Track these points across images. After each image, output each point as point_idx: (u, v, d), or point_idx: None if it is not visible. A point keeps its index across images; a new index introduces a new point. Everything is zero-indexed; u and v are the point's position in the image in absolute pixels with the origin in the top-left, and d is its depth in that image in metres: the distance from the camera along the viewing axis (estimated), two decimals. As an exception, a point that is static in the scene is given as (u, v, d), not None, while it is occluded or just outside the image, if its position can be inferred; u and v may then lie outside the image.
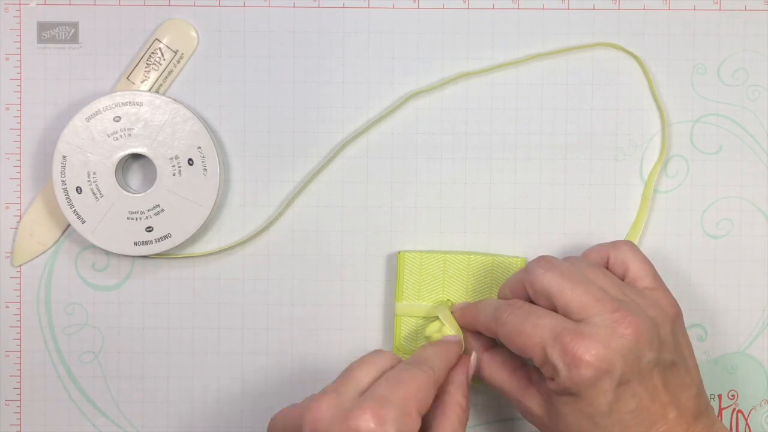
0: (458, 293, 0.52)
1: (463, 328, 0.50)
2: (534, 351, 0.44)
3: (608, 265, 0.48)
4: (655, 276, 0.48)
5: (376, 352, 0.45)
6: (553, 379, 0.44)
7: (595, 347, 0.42)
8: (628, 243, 0.49)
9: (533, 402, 0.46)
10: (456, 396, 0.45)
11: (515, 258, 0.52)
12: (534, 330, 0.44)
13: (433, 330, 0.50)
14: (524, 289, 0.47)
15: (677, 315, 0.46)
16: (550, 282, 0.45)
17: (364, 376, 0.43)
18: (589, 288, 0.44)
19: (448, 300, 0.52)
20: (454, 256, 0.52)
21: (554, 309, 0.45)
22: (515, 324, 0.45)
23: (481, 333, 0.49)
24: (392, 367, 0.44)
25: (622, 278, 0.48)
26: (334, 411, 0.41)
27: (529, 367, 0.48)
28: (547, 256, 0.47)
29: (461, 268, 0.52)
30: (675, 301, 0.47)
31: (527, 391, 0.46)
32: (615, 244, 0.49)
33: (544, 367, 0.44)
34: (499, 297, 0.49)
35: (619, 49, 0.53)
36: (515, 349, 0.45)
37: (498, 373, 0.48)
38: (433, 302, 0.52)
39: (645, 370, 0.43)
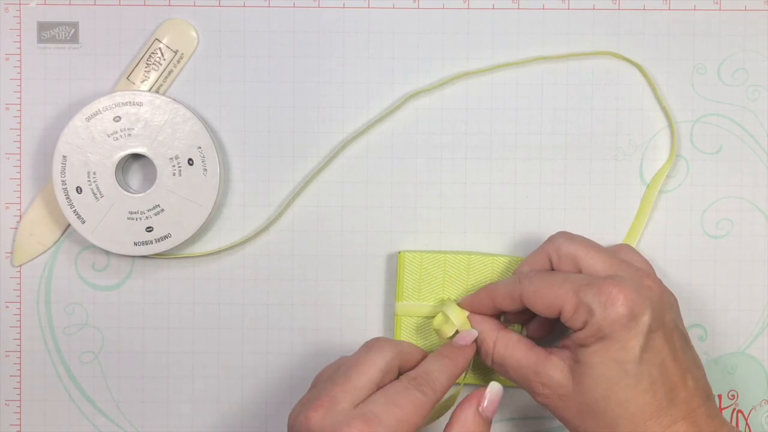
0: (458, 293, 0.52)
1: (474, 311, 0.49)
2: (566, 298, 0.45)
3: (553, 265, 0.49)
4: (656, 274, 0.49)
5: (377, 346, 0.46)
6: (583, 328, 0.44)
7: (627, 290, 0.44)
8: (628, 245, 0.50)
9: (555, 370, 0.46)
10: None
11: (516, 258, 0.52)
12: (564, 281, 0.45)
13: (440, 322, 0.49)
14: (546, 261, 0.48)
15: (678, 305, 0.48)
16: (576, 247, 0.47)
17: (362, 381, 0.44)
18: (612, 254, 0.47)
19: (449, 298, 0.52)
20: (454, 256, 0.52)
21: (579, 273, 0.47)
22: (544, 279, 0.46)
23: (491, 317, 0.49)
24: (393, 372, 0.45)
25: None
26: (328, 422, 0.42)
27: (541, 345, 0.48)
28: (567, 231, 0.49)
29: (461, 268, 0.52)
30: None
31: (548, 360, 0.46)
32: (617, 247, 0.50)
33: (576, 313, 0.44)
34: (494, 299, 0.49)
35: (620, 58, 0.53)
36: (542, 304, 0.46)
37: (515, 349, 0.47)
38: (433, 302, 0.52)
39: (669, 327, 0.45)
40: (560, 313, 0.45)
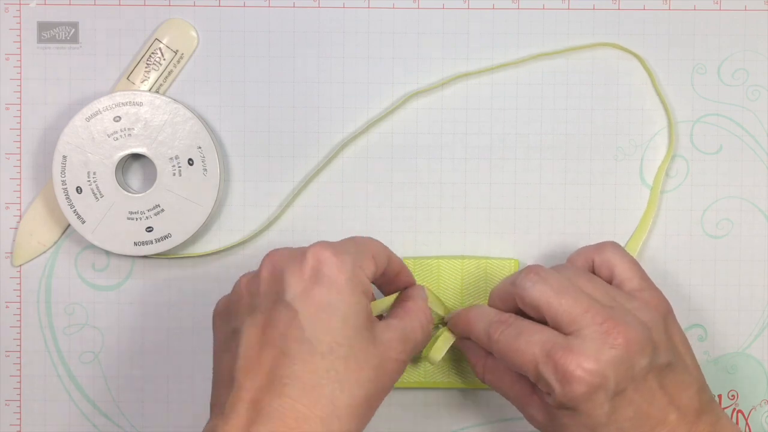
0: (453, 297, 0.52)
1: (458, 335, 0.49)
2: (527, 368, 0.44)
3: (594, 268, 0.48)
4: (643, 276, 0.47)
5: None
6: (549, 395, 0.44)
7: (586, 362, 0.42)
8: (612, 244, 0.48)
9: (536, 410, 0.46)
10: (419, 303, 0.46)
11: (508, 260, 0.52)
12: (526, 347, 0.44)
13: (427, 350, 0.49)
14: (513, 302, 0.46)
15: (668, 313, 0.46)
16: (539, 295, 0.44)
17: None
18: (578, 298, 0.44)
19: (436, 314, 0.51)
20: (447, 261, 0.52)
21: (544, 321, 0.45)
22: (507, 342, 0.45)
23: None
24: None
25: (609, 280, 0.47)
26: (292, 251, 0.43)
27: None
28: (535, 266, 0.46)
29: (455, 273, 0.52)
30: (664, 298, 0.47)
31: (530, 398, 0.46)
32: (599, 247, 0.48)
33: (539, 383, 0.44)
34: (489, 305, 0.48)
35: (620, 48, 0.53)
36: (510, 366, 0.45)
37: (501, 380, 0.47)
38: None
39: (639, 377, 0.43)
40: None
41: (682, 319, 0.53)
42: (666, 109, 0.53)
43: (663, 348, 0.44)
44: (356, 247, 0.44)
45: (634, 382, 0.43)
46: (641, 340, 0.43)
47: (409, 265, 0.52)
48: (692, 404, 0.44)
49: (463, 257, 0.52)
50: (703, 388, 0.46)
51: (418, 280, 0.52)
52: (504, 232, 0.54)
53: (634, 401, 0.43)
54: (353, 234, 0.53)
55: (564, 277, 0.45)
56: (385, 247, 0.46)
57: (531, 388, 0.46)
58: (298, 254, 0.43)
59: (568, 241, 0.53)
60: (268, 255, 0.44)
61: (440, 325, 0.50)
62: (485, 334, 0.46)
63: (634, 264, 0.48)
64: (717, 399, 0.54)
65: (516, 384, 0.47)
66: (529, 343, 0.44)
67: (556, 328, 0.44)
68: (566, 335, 0.43)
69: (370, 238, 0.46)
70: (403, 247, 0.54)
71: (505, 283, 0.47)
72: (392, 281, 0.48)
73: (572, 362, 0.42)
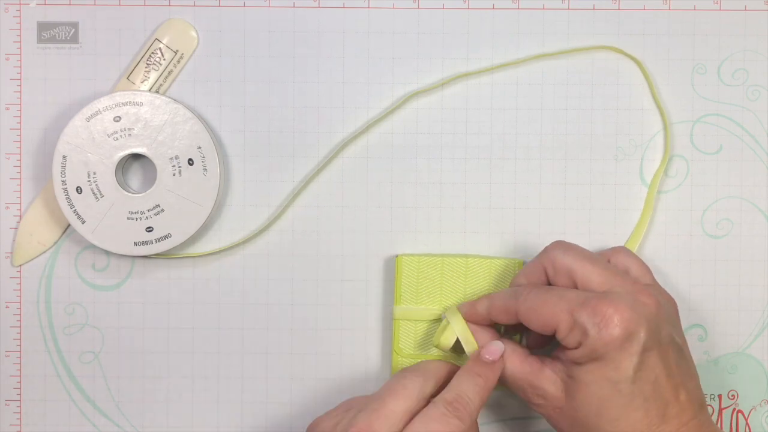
0: (456, 296, 0.52)
1: (470, 321, 0.49)
2: (560, 317, 0.44)
3: None
4: (653, 278, 0.49)
5: (411, 375, 0.46)
6: (578, 347, 0.44)
7: (623, 309, 0.44)
8: (625, 248, 0.50)
9: (549, 383, 0.46)
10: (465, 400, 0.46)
11: (513, 260, 0.52)
12: (559, 300, 0.45)
13: (438, 335, 0.50)
14: (542, 273, 0.48)
15: (677, 310, 0.48)
16: (572, 260, 0.46)
17: (400, 408, 0.45)
18: (608, 266, 0.47)
19: (452, 305, 0.51)
20: (452, 259, 0.52)
21: (574, 287, 0.46)
22: (539, 296, 0.46)
23: (487, 327, 0.49)
24: (427, 399, 0.46)
25: None
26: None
27: (540, 355, 0.48)
28: (560, 241, 0.48)
29: (459, 271, 0.52)
30: (673, 298, 0.48)
31: (541, 373, 0.46)
32: (614, 250, 0.50)
33: (571, 333, 0.44)
34: (513, 286, 0.49)
35: (619, 52, 0.53)
36: (537, 322, 0.46)
37: (510, 359, 0.47)
38: (431, 305, 0.52)
39: (664, 343, 0.44)
40: (555, 332, 0.45)
41: (683, 319, 0.53)
42: (662, 115, 0.53)
43: (678, 332, 0.47)
44: (404, 403, 0.44)
45: (660, 345, 0.44)
46: (666, 311, 0.46)
47: (413, 262, 0.52)
48: (697, 394, 0.46)
49: (467, 256, 0.52)
50: (700, 386, 0.47)
51: (421, 278, 0.52)
52: (504, 232, 0.54)
53: (656, 367, 0.44)
54: (354, 234, 0.53)
55: (591, 251, 0.48)
56: (442, 369, 0.47)
57: (541, 363, 0.46)
58: None
59: (568, 241, 0.53)
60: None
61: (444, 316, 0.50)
62: (512, 295, 0.47)
63: (646, 266, 0.49)
64: (717, 399, 0.54)
65: (525, 361, 0.47)
66: (562, 296, 0.45)
67: (588, 290, 0.46)
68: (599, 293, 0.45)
69: (422, 376, 0.47)
70: (403, 247, 0.54)
71: (533, 260, 0.49)
72: None
73: (610, 307, 0.44)
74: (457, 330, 0.49)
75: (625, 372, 0.44)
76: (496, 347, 0.47)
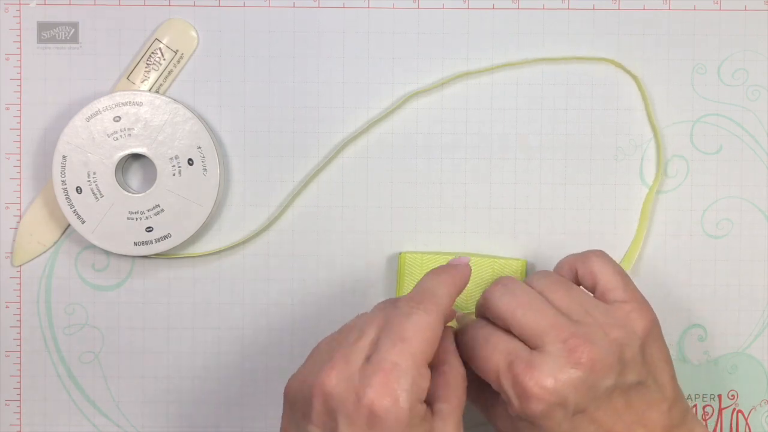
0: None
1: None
2: (490, 377, 0.43)
3: (577, 277, 0.47)
4: (627, 287, 0.45)
5: (379, 306, 0.44)
6: (510, 406, 0.43)
7: (545, 380, 0.41)
8: (597, 253, 0.47)
9: (500, 421, 0.45)
10: (455, 366, 0.44)
11: (515, 260, 0.52)
12: (491, 355, 0.43)
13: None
14: (484, 318, 0.46)
15: (650, 330, 0.44)
16: (505, 307, 0.44)
17: (371, 332, 0.42)
18: (545, 313, 0.43)
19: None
20: (453, 258, 0.52)
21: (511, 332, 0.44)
22: (475, 347, 0.44)
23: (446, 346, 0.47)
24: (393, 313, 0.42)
25: (593, 290, 0.46)
26: (345, 384, 0.40)
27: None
28: (506, 278, 0.46)
29: None
30: (649, 313, 0.45)
31: (495, 409, 0.45)
32: (583, 256, 0.47)
33: (501, 394, 0.43)
34: (477, 315, 0.48)
35: (618, 66, 0.53)
36: (476, 371, 0.44)
37: (469, 389, 0.45)
38: None
39: (603, 396, 0.42)
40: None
41: (682, 319, 0.53)
42: (656, 136, 0.53)
43: (635, 367, 0.43)
44: (412, 360, 0.40)
45: (596, 401, 0.42)
46: (608, 360, 0.42)
47: (416, 260, 0.52)
48: (661, 421, 0.43)
49: (470, 255, 0.52)
50: (676, 404, 0.44)
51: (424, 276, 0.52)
52: (504, 232, 0.54)
53: (596, 419, 0.42)
54: (354, 234, 0.53)
55: (534, 290, 0.45)
56: (438, 326, 0.42)
57: (495, 399, 0.45)
58: (352, 396, 0.40)
59: (568, 241, 0.53)
60: (317, 384, 0.41)
61: None
62: (461, 332, 0.46)
63: (619, 274, 0.46)
64: (717, 399, 0.54)
65: (482, 394, 0.46)
66: (494, 351, 0.43)
67: (523, 341, 0.43)
68: (531, 349, 0.43)
69: (424, 326, 0.41)
70: (403, 247, 0.54)
71: (481, 296, 0.47)
72: None
73: (531, 379, 0.41)
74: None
75: None
76: (463, 258, 0.46)
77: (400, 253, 0.52)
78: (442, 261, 0.52)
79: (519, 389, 0.42)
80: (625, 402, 0.43)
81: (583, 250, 0.49)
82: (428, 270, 0.51)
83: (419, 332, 0.41)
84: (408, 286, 0.52)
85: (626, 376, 0.43)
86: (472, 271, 0.51)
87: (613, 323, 0.43)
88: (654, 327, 0.45)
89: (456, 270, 0.45)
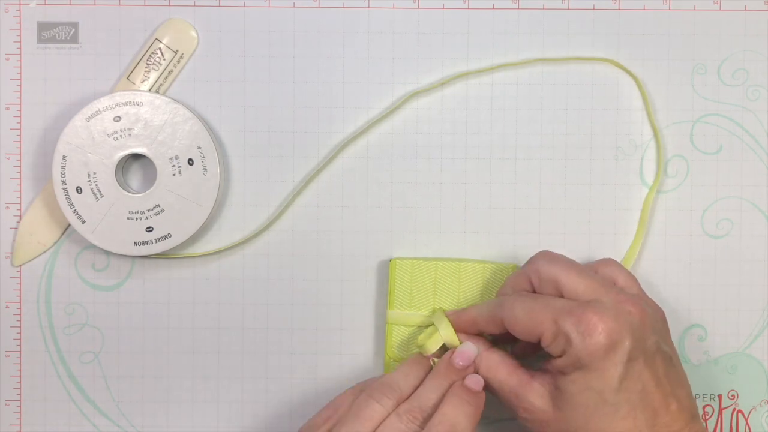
0: (449, 300, 0.52)
1: (459, 332, 0.49)
2: (545, 325, 0.44)
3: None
4: (641, 288, 0.49)
5: (353, 391, 0.48)
6: (562, 355, 0.44)
7: (607, 319, 0.43)
8: (613, 260, 0.50)
9: (536, 395, 0.46)
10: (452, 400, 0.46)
11: (507, 264, 0.52)
12: (545, 308, 0.45)
13: (424, 338, 0.49)
14: (528, 283, 0.48)
15: (665, 319, 0.47)
16: (558, 269, 0.46)
17: (334, 419, 0.47)
18: (593, 276, 0.47)
19: (440, 308, 0.51)
20: (445, 263, 0.52)
21: (560, 297, 0.46)
22: (525, 304, 0.46)
23: (477, 336, 0.49)
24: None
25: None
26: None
27: (527, 365, 0.48)
28: (545, 251, 0.49)
29: (452, 275, 0.52)
30: (661, 309, 0.48)
31: (529, 385, 0.46)
32: (601, 262, 0.50)
33: (555, 341, 0.44)
34: (499, 296, 0.49)
35: (619, 66, 0.53)
36: (522, 330, 0.46)
37: (497, 371, 0.47)
38: (424, 310, 0.52)
39: (650, 352, 0.44)
40: (540, 340, 0.45)
41: (682, 319, 0.53)
42: (656, 136, 0.53)
43: (666, 340, 0.46)
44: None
45: (645, 354, 0.44)
46: (652, 320, 0.45)
47: (407, 266, 0.52)
48: (689, 404, 0.45)
49: (461, 260, 0.52)
50: (692, 394, 0.46)
51: (415, 283, 0.52)
52: (504, 232, 0.54)
53: (643, 376, 0.44)
54: (353, 234, 0.53)
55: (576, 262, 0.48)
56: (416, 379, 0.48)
57: (529, 376, 0.46)
58: None
59: (568, 241, 0.53)
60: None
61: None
62: (497, 305, 0.47)
63: (634, 277, 0.49)
64: (717, 399, 0.54)
65: (514, 372, 0.47)
66: (548, 305, 0.45)
67: (573, 299, 0.46)
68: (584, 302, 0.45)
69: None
70: (403, 247, 0.54)
71: (519, 270, 0.49)
72: None
73: (594, 316, 0.43)
74: (444, 335, 0.48)
75: (610, 381, 0.43)
76: (469, 350, 0.47)
77: (390, 259, 0.52)
78: (433, 267, 0.52)
79: (584, 325, 0.43)
80: (664, 369, 0.45)
81: (583, 250, 0.50)
82: (419, 277, 0.51)
83: (371, 422, 0.45)
84: (399, 293, 0.52)
85: (664, 344, 0.46)
86: (465, 276, 0.51)
87: (643, 300, 0.47)
88: (666, 320, 0.48)
89: (478, 399, 0.47)
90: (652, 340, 0.45)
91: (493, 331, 0.48)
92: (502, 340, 0.50)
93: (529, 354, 0.50)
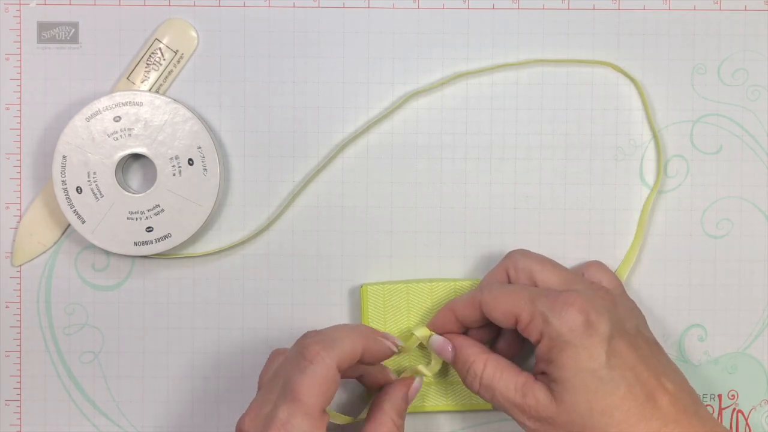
0: (422, 321, 0.52)
1: (439, 330, 0.50)
2: (521, 306, 0.46)
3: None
4: (624, 291, 0.50)
5: (275, 354, 0.48)
6: (541, 339, 0.45)
7: (581, 300, 0.45)
8: (599, 263, 0.52)
9: (541, 393, 0.46)
10: (390, 413, 0.47)
11: (476, 281, 0.52)
12: (521, 292, 0.46)
13: (413, 343, 0.50)
14: (504, 275, 0.49)
15: (644, 317, 0.49)
16: (533, 262, 0.49)
17: (279, 383, 0.45)
18: (568, 270, 0.49)
19: (413, 334, 0.51)
20: (416, 285, 0.52)
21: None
22: (502, 289, 0.47)
23: (476, 342, 0.49)
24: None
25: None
26: (254, 430, 0.44)
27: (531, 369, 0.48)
28: (524, 249, 0.51)
29: (425, 296, 0.52)
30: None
31: (535, 385, 0.46)
32: (588, 264, 0.51)
33: (532, 322, 0.45)
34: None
35: (618, 70, 0.53)
36: (499, 312, 0.47)
37: (504, 372, 0.47)
38: (398, 332, 0.52)
39: (631, 333, 0.45)
40: (517, 322, 0.46)
41: (682, 319, 0.53)
42: (656, 140, 0.53)
43: (647, 330, 0.48)
44: (303, 415, 0.43)
45: (626, 334, 0.45)
46: (627, 309, 0.47)
47: (378, 291, 0.52)
48: (686, 388, 0.46)
49: (431, 280, 0.52)
50: (688, 383, 0.47)
51: (388, 306, 0.52)
52: (504, 232, 0.54)
53: (629, 355, 0.44)
54: (354, 234, 0.53)
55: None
56: (362, 339, 0.46)
57: (533, 377, 0.47)
58: (270, 412, 0.44)
59: (568, 241, 0.53)
60: (238, 425, 0.45)
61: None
62: (477, 289, 0.48)
63: (618, 280, 0.51)
64: (717, 399, 0.54)
65: (520, 374, 0.47)
66: (523, 289, 0.47)
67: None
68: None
69: (347, 336, 0.45)
70: (403, 247, 0.54)
71: (497, 264, 0.50)
72: (367, 369, 0.49)
73: (569, 297, 0.45)
74: (418, 334, 0.50)
75: (599, 357, 0.44)
76: (444, 342, 0.49)
77: (361, 286, 0.52)
78: (404, 290, 0.52)
79: (559, 304, 0.45)
80: (651, 352, 0.46)
81: (583, 250, 0.50)
82: (391, 300, 0.52)
83: (311, 388, 0.43)
84: (372, 319, 0.52)
85: (644, 330, 0.47)
86: (437, 295, 0.52)
87: (617, 297, 0.49)
88: (645, 319, 0.50)
89: (377, 338, 0.47)
90: (631, 324, 0.46)
91: (470, 318, 0.49)
92: (480, 338, 0.50)
93: (512, 354, 0.51)
